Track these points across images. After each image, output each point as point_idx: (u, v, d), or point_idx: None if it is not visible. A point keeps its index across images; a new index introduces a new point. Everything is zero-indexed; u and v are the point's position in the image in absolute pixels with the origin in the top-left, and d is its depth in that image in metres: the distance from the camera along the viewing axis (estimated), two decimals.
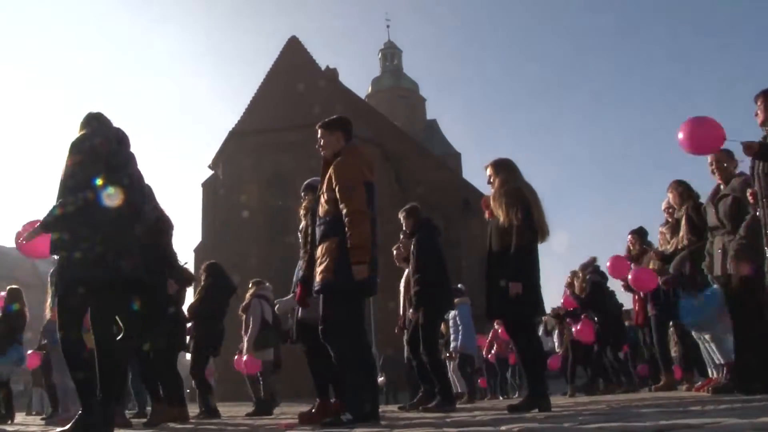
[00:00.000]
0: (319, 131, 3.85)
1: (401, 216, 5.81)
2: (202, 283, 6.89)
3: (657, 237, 6.36)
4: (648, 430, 2.31)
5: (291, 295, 5.51)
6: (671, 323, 6.31)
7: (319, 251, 3.63)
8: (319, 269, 3.59)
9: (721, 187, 4.59)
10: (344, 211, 3.49)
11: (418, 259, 5.38)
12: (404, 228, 5.80)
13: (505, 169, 4.45)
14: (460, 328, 8.58)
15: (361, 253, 3.43)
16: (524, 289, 4.16)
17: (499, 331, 12.10)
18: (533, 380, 4.26)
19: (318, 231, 3.70)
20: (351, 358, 3.54)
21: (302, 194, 5.10)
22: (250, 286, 7.87)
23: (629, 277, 6.64)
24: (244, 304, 7.70)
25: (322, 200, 3.68)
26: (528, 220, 4.17)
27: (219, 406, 7.51)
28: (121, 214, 3.62)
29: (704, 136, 4.25)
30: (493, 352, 12.69)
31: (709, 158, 4.67)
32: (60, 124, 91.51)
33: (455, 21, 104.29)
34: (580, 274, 8.21)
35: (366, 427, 3.16)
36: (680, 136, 4.29)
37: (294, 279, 5.80)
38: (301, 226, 5.54)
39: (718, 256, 4.51)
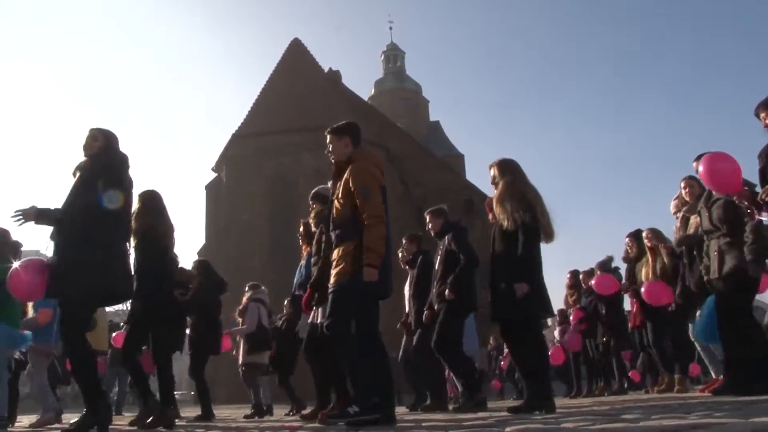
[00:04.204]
0: (328, 137, 3.89)
1: (428, 217, 5.72)
2: (195, 282, 6.87)
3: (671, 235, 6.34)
4: (652, 430, 2.31)
5: (302, 317, 5.51)
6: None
7: (335, 254, 3.66)
8: (334, 271, 3.62)
9: (713, 192, 4.64)
10: (363, 215, 3.54)
11: (464, 254, 5.27)
12: (429, 228, 5.69)
13: (509, 170, 4.43)
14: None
15: (374, 257, 3.48)
16: (530, 290, 4.17)
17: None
18: (536, 382, 4.26)
19: (333, 235, 3.72)
20: (360, 358, 3.56)
21: (310, 203, 5.11)
22: (246, 289, 7.90)
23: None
24: (240, 307, 7.74)
25: (337, 204, 3.71)
26: (533, 222, 4.18)
27: (223, 408, 7.53)
28: (121, 220, 3.67)
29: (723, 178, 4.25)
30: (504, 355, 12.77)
31: (695, 166, 4.73)
32: (62, 127, 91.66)
33: (458, 23, 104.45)
34: (599, 273, 8.20)
35: (373, 429, 3.17)
36: (702, 170, 4.34)
37: (294, 281, 5.83)
38: (300, 230, 5.57)
39: (714, 259, 4.55)
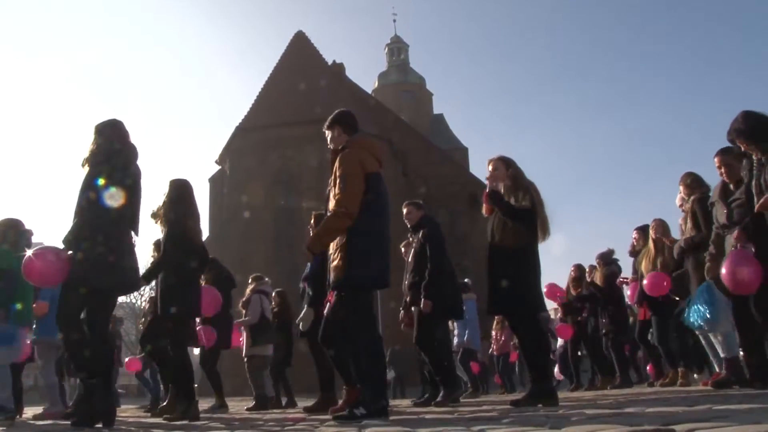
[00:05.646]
0: (326, 132, 3.91)
1: (408, 208, 5.74)
2: (204, 278, 6.90)
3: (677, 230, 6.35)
4: (654, 423, 2.31)
5: (306, 309, 5.51)
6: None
7: (331, 247, 3.65)
8: (332, 265, 3.61)
9: (731, 187, 4.62)
10: (334, 203, 3.54)
11: (433, 252, 5.38)
12: (407, 219, 5.74)
13: (515, 166, 4.47)
14: (467, 323, 8.59)
15: (316, 244, 3.58)
16: (526, 285, 4.17)
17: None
18: (537, 376, 4.26)
19: None
20: (364, 352, 3.56)
21: (328, 193, 5.11)
22: (249, 281, 7.93)
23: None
24: (244, 299, 7.77)
25: (331, 195, 3.70)
26: (531, 213, 4.20)
27: (227, 400, 7.56)
28: (123, 215, 3.68)
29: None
30: (494, 349, 12.66)
31: (716, 161, 4.71)
32: (68, 116, 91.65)
33: (462, 15, 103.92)
34: (599, 266, 8.20)
35: (375, 423, 3.18)
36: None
37: (303, 275, 5.83)
38: (311, 222, 5.57)
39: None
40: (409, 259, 5.73)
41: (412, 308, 5.58)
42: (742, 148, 4.16)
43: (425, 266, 5.37)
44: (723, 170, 4.67)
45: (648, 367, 9.12)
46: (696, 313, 5.03)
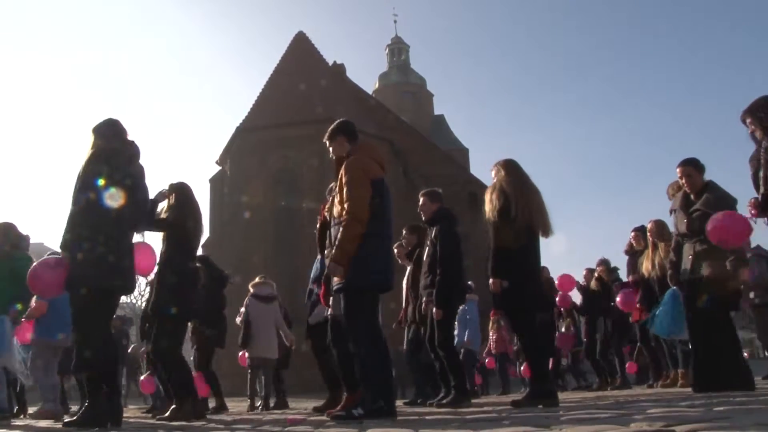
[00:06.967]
0: (327, 143, 3.93)
1: (422, 198, 5.49)
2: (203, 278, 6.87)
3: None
4: (655, 423, 2.31)
5: (319, 305, 5.47)
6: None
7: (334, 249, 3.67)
8: None
9: (692, 197, 4.74)
10: (343, 211, 3.56)
11: (444, 250, 5.16)
12: (421, 211, 5.47)
13: (506, 168, 4.46)
14: (467, 323, 8.60)
15: (340, 255, 3.53)
16: (522, 285, 4.17)
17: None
18: (537, 376, 4.26)
19: (334, 231, 3.73)
20: (365, 354, 3.57)
21: (327, 197, 5.11)
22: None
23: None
24: None
25: (336, 200, 3.73)
26: (505, 220, 4.18)
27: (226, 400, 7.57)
28: (123, 215, 3.68)
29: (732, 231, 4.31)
30: (493, 350, 12.61)
31: (678, 171, 4.83)
32: (68, 116, 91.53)
33: (463, 16, 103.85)
34: (599, 272, 8.24)
35: (376, 422, 3.18)
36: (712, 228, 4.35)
37: (311, 276, 5.82)
38: (317, 225, 5.54)
39: (688, 261, 4.70)
40: (425, 258, 5.49)
41: (433, 310, 5.32)
42: (750, 130, 4.15)
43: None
44: (684, 180, 4.80)
45: (627, 365, 9.17)
46: (660, 321, 5.13)
